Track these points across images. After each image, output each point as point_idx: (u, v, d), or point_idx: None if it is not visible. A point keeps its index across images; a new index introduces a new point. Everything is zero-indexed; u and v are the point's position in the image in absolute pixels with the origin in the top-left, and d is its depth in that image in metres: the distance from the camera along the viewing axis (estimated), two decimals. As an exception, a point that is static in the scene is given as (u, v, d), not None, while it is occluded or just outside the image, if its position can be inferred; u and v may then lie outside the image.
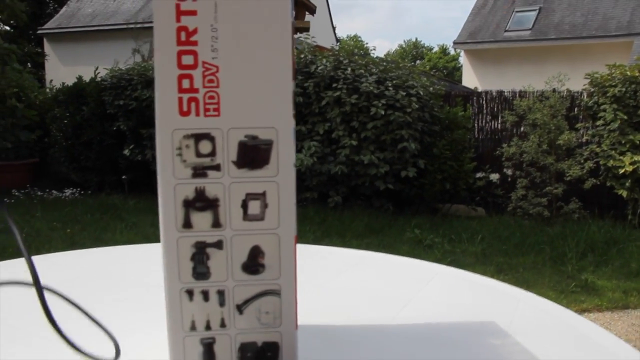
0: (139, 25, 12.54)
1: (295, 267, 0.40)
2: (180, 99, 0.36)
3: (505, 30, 17.26)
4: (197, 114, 0.36)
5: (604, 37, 15.71)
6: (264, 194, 0.38)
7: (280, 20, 0.36)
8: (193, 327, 0.40)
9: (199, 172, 0.37)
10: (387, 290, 0.81)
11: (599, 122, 5.59)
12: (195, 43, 0.36)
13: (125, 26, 14.39)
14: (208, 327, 0.40)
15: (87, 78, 7.57)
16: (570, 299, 3.72)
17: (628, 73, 5.36)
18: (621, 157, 5.33)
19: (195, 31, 0.36)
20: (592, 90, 5.71)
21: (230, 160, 0.37)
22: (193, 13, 0.35)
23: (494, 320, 0.71)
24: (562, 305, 0.78)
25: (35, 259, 0.96)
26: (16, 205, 6.48)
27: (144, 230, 5.14)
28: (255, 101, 0.37)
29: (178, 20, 0.35)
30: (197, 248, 0.38)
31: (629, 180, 5.34)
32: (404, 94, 5.50)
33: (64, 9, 19.48)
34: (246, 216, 0.38)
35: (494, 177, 6.21)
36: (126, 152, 6.98)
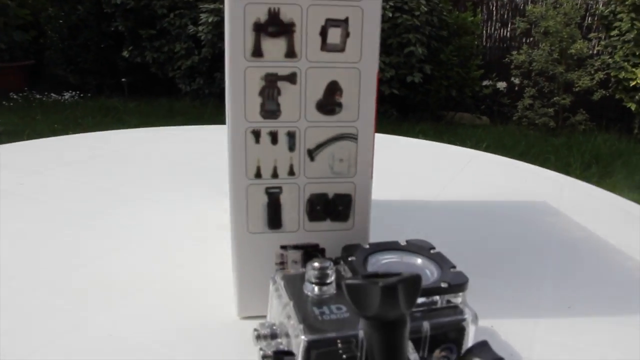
0: None
1: (376, 110, 0.36)
2: None
3: None
4: None
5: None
6: (346, 21, 0.33)
7: None
8: (258, 174, 0.35)
9: (274, -12, 0.31)
10: (426, 172, 0.77)
11: (613, 32, 5.41)
12: None
13: None
14: (275, 174, 0.36)
15: (80, -25, 7.25)
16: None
17: (650, -22, 5.13)
18: (633, 69, 5.21)
19: None
20: (610, -3, 5.50)
21: (311, -26, 0.32)
22: None
23: (544, 200, 0.68)
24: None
25: (54, 139, 0.92)
26: (15, 109, 6.38)
27: (146, 132, 5.10)
28: None
29: None
30: (267, 81, 0.33)
31: (639, 94, 5.25)
32: (413, -4, 5.29)
33: None
34: (325, 45, 0.33)
35: (501, 85, 6.10)
36: (125, 53, 6.79)
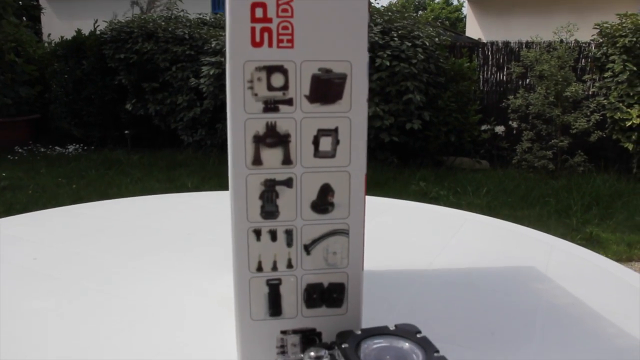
0: (136, -23, 12.23)
1: (364, 206, 0.39)
2: (253, 29, 0.34)
3: (510, -20, 16.88)
4: (270, 45, 0.35)
5: (611, -14, 15.38)
6: (336, 130, 0.37)
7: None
8: (259, 268, 0.39)
9: (271, 106, 0.36)
10: (420, 238, 0.80)
11: (606, 74, 5.52)
12: (268, -31, 0.34)
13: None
14: (275, 267, 0.39)
15: (84, 31, 7.44)
16: (576, 251, 3.75)
17: None
18: (628, 110, 5.29)
19: (269, -44, 0.34)
20: (601, 40, 5.62)
21: (303, 94, 0.36)
22: (267, -64, 0.33)
23: (532, 265, 0.71)
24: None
25: (62, 210, 0.95)
26: (20, 162, 6.47)
27: (149, 185, 5.15)
28: (330, 33, 0.35)
29: (251, -56, 0.33)
30: (266, 186, 0.37)
31: (635, 133, 5.31)
32: (410, 44, 5.41)
33: (58, -40, 19.01)
34: (317, 153, 0.37)
35: (499, 129, 6.18)
36: (128, 106, 6.92)
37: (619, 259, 3.70)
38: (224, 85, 6.05)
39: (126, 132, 7.10)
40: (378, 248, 0.72)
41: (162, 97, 6.72)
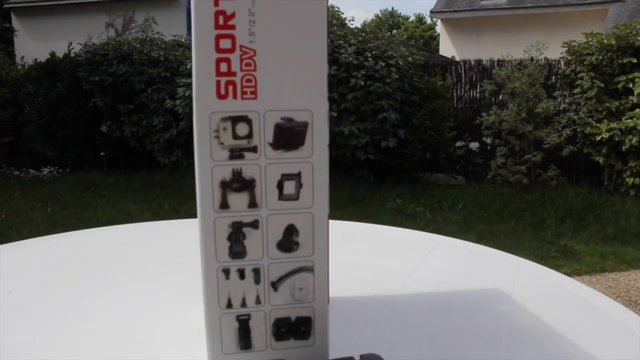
0: (111, -2, 12.23)
1: (328, 244, 0.42)
2: (218, 82, 0.37)
3: (482, -1, 17.24)
4: (235, 97, 0.37)
5: (579, 4, 15.79)
6: (299, 175, 0.39)
7: (316, 4, 0.37)
8: (229, 305, 0.41)
9: (236, 153, 0.38)
10: (389, 263, 0.82)
11: (576, 90, 5.66)
12: (233, 27, 0.36)
13: (96, -1, 14.05)
14: (244, 304, 0.41)
15: (58, 53, 7.41)
16: (550, 264, 3.80)
17: (605, 41, 5.41)
18: (598, 125, 5.42)
19: (233, 15, 0.36)
20: (570, 58, 5.76)
21: (267, 142, 0.38)
22: (230, -3, 0.36)
23: (498, 287, 0.73)
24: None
25: (36, 240, 0.96)
26: (-7, 185, 6.38)
27: (125, 207, 5.11)
28: (291, 84, 0.38)
29: (216, 4, 0.36)
30: (233, 228, 0.39)
31: (605, 147, 5.44)
32: (384, 64, 5.49)
33: (31, -19, 18.92)
34: (282, 196, 0.39)
35: (474, 145, 6.28)
36: (103, 128, 6.89)
37: (592, 270, 3.78)
38: (200, 106, 6.05)
39: (102, 154, 7.06)
40: (347, 274, 0.74)
41: (138, 118, 6.71)
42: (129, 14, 11.36)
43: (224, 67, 0.36)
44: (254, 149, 0.38)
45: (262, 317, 0.42)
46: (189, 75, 6.12)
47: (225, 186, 0.38)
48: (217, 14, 0.36)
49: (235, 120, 0.37)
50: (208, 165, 0.38)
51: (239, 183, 0.38)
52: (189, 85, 6.00)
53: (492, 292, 0.72)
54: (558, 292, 0.74)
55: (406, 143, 5.73)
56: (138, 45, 6.82)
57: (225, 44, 0.36)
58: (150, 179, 6.32)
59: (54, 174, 6.99)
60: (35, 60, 7.66)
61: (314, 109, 0.38)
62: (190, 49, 6.31)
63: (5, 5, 17.71)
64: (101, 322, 0.59)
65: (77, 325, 0.58)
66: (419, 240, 0.97)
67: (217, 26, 0.36)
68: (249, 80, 0.37)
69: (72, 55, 7.15)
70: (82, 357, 0.52)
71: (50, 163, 7.34)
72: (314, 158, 0.39)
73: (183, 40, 7.42)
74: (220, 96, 0.37)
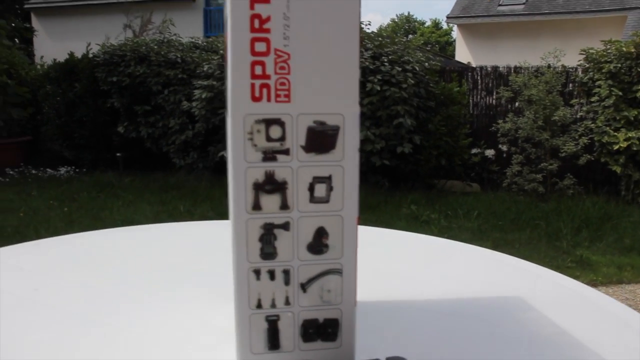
0: (129, 0, 12.35)
1: (356, 247, 0.42)
2: (253, 85, 0.37)
3: (499, 5, 17.18)
4: (269, 100, 0.37)
5: (597, 11, 15.68)
6: (329, 178, 0.40)
7: (349, 9, 0.37)
8: (259, 305, 0.41)
9: (269, 156, 0.38)
10: (410, 269, 0.83)
11: (593, 99, 5.62)
12: (268, 30, 0.37)
13: (116, 0, 14.19)
14: (273, 304, 0.41)
15: (76, 53, 7.49)
16: (566, 274, 3.75)
17: (624, 49, 5.37)
18: (615, 134, 5.37)
19: (268, 19, 0.36)
20: (587, 66, 5.72)
21: (299, 144, 0.38)
22: (267, 1, 0.36)
23: (519, 295, 0.73)
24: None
25: (58, 239, 0.97)
26: (11, 184, 6.45)
27: (141, 208, 5.15)
28: (324, 88, 0.38)
29: (252, 7, 0.36)
30: (265, 229, 0.40)
31: (623, 157, 5.39)
32: (400, 69, 5.49)
33: (51, -17, 19.16)
34: (312, 198, 0.40)
35: (489, 152, 6.25)
36: (120, 129, 6.95)
37: (609, 282, 3.74)
38: (216, 109, 6.09)
39: (118, 154, 7.12)
40: (369, 279, 0.74)
41: (154, 120, 6.76)
42: (146, 15, 11.46)
43: (258, 69, 0.37)
44: (286, 152, 0.38)
45: (290, 318, 0.42)
46: (206, 77, 6.16)
47: (258, 188, 0.39)
48: (253, 17, 0.36)
49: (268, 122, 0.38)
50: (242, 167, 0.38)
51: (272, 185, 0.39)
52: (205, 88, 6.03)
53: (513, 299, 0.72)
54: (579, 301, 0.74)
55: (421, 149, 5.71)
56: (155, 47, 6.88)
57: (260, 47, 0.37)
58: (165, 180, 6.37)
59: (71, 174, 7.05)
60: (54, 60, 7.75)
61: (346, 112, 0.39)
62: (206, 51, 6.34)
63: (26, 6, 17.94)
64: (127, 322, 0.59)
65: (105, 324, 0.59)
66: (439, 246, 0.97)
67: (253, 29, 0.37)
68: (282, 84, 0.37)
69: (91, 55, 7.22)
70: (110, 356, 0.52)
71: (67, 163, 7.42)
72: (345, 161, 0.40)
73: (200, 42, 7.46)
74: (255, 98, 0.37)
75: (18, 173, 7.07)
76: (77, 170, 7.22)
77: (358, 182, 0.41)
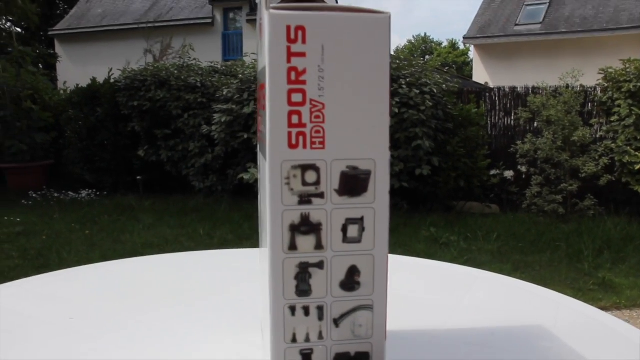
0: (149, 25, 12.60)
1: (387, 283, 0.44)
2: (290, 133, 0.40)
3: (516, 24, 17.20)
4: (305, 147, 0.40)
5: (615, 29, 15.62)
6: (362, 219, 0.42)
7: (380, 61, 0.40)
8: (294, 339, 0.43)
9: (305, 199, 0.41)
10: (432, 297, 0.84)
11: (613, 118, 5.59)
12: (304, 82, 0.39)
13: (136, 26, 14.47)
14: (307, 339, 0.44)
15: (98, 78, 7.64)
16: (588, 297, 3.74)
17: (643, 68, 5.36)
18: (637, 153, 5.33)
19: (304, 71, 0.39)
20: (606, 85, 5.70)
21: (333, 188, 0.41)
22: (302, 55, 0.39)
23: (539, 323, 0.74)
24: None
25: (87, 268, 1.00)
26: (34, 207, 6.56)
27: (161, 231, 5.20)
28: (356, 135, 0.40)
29: (289, 61, 0.39)
30: (300, 268, 0.42)
31: (644, 176, 5.35)
32: (418, 91, 5.52)
33: (74, 9, 19.61)
34: (345, 239, 0.42)
35: (508, 174, 6.22)
36: (140, 152, 7.04)
37: (633, 305, 3.69)
38: (235, 132, 6.16)
39: (138, 177, 7.21)
40: (392, 307, 0.76)
41: (174, 143, 6.85)
42: (166, 40, 11.67)
43: (295, 119, 0.40)
44: (321, 195, 0.41)
45: (323, 351, 0.44)
46: (225, 101, 6.24)
47: (294, 229, 0.41)
48: (290, 70, 0.39)
49: (304, 168, 0.40)
50: (279, 210, 0.41)
51: (307, 227, 0.41)
52: (224, 112, 6.11)
53: (534, 328, 0.73)
54: (602, 331, 0.74)
55: (440, 171, 5.71)
56: (175, 71, 6.99)
57: (296, 97, 0.39)
58: (185, 203, 6.42)
59: (92, 197, 7.15)
60: (77, 85, 7.90)
61: (377, 158, 0.41)
62: (225, 75, 6.41)
63: (50, 32, 18.36)
64: (161, 350, 0.61)
65: (141, 354, 0.61)
66: (460, 274, 0.98)
67: (290, 81, 0.39)
68: (317, 132, 0.40)
69: (112, 81, 7.36)
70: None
71: (88, 186, 7.52)
72: (376, 204, 0.42)
73: (219, 66, 7.57)
74: (292, 146, 0.40)
75: (41, 196, 7.18)
76: (98, 193, 7.31)
77: (389, 222, 0.43)
